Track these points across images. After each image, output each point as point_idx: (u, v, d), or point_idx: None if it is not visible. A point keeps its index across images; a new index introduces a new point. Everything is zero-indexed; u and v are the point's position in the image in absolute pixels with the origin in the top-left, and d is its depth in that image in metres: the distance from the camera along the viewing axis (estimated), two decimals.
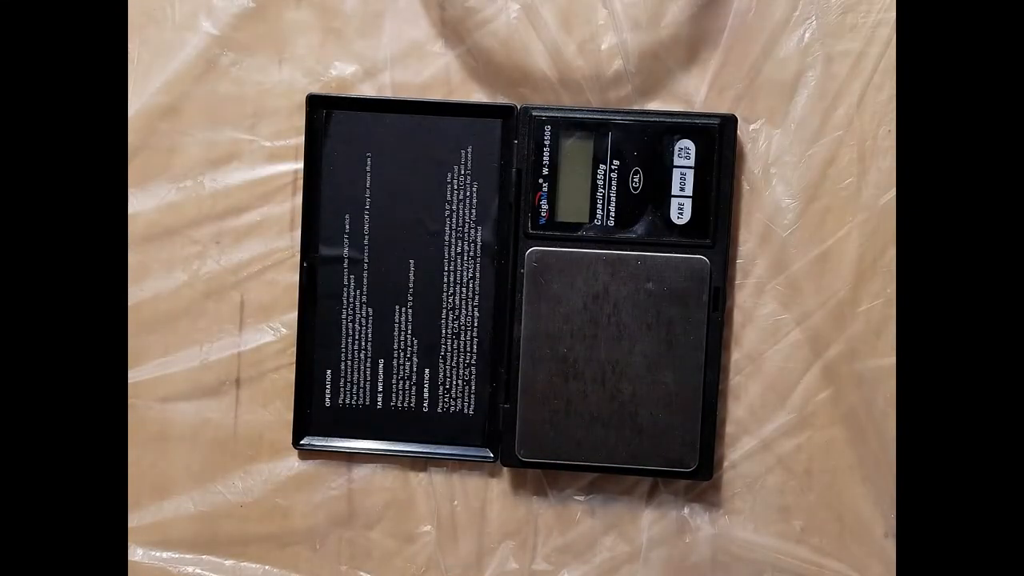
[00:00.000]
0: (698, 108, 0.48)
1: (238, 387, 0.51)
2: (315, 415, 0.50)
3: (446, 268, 0.49)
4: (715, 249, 0.47)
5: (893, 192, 0.47)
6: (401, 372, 0.49)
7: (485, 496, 0.50)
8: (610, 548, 0.50)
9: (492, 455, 0.49)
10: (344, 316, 0.49)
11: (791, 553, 0.49)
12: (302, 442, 0.50)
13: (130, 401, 0.51)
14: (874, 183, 0.48)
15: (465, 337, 0.49)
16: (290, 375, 0.50)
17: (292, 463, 0.51)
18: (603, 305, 0.47)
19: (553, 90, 0.49)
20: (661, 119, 0.47)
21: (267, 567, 0.51)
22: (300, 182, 0.49)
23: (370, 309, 0.49)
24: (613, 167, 0.47)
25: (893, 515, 0.48)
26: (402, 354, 0.49)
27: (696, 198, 0.47)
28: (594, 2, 0.48)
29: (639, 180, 0.47)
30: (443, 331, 0.49)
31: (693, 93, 0.48)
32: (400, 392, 0.50)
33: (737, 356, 0.48)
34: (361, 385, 0.50)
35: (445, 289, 0.49)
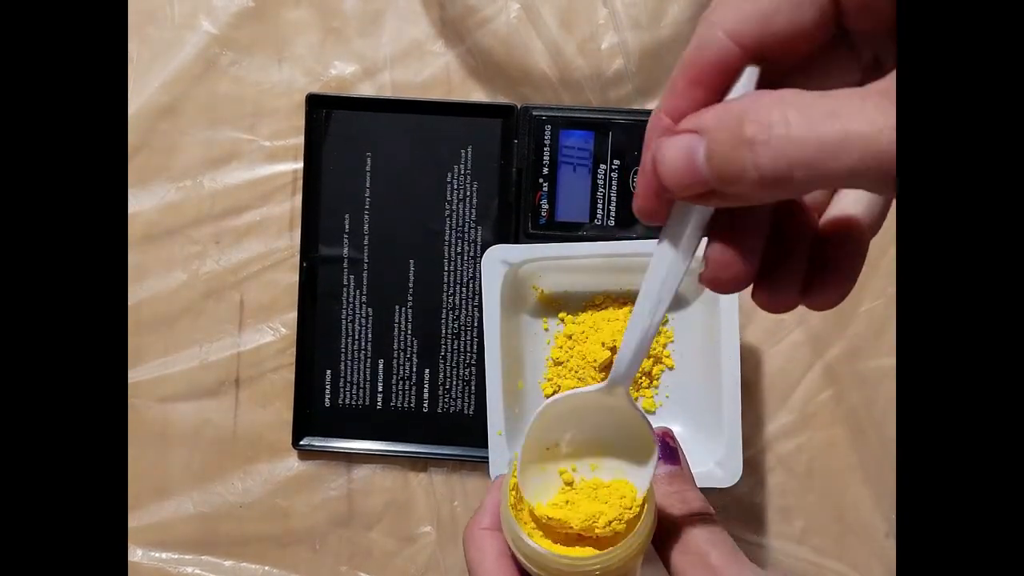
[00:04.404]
0: None
1: (238, 387, 0.51)
2: (315, 415, 0.50)
3: (446, 268, 0.49)
4: None
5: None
6: (401, 372, 0.49)
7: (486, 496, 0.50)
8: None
9: None
10: (344, 316, 0.49)
11: (792, 553, 0.49)
12: (302, 442, 0.50)
13: (130, 401, 0.51)
14: None
15: (465, 337, 0.49)
16: (290, 375, 0.50)
17: (292, 463, 0.51)
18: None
19: (553, 89, 0.48)
20: None
21: (267, 567, 0.51)
22: (299, 182, 0.49)
23: (370, 309, 0.49)
24: (613, 167, 0.47)
25: (893, 516, 0.48)
26: (402, 354, 0.49)
27: None
28: (594, 2, 0.48)
29: None
30: (443, 331, 0.49)
31: None
32: (400, 392, 0.49)
33: None
34: (361, 385, 0.50)
35: (445, 289, 0.49)
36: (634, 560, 0.31)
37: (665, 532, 0.32)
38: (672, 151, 0.24)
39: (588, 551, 0.31)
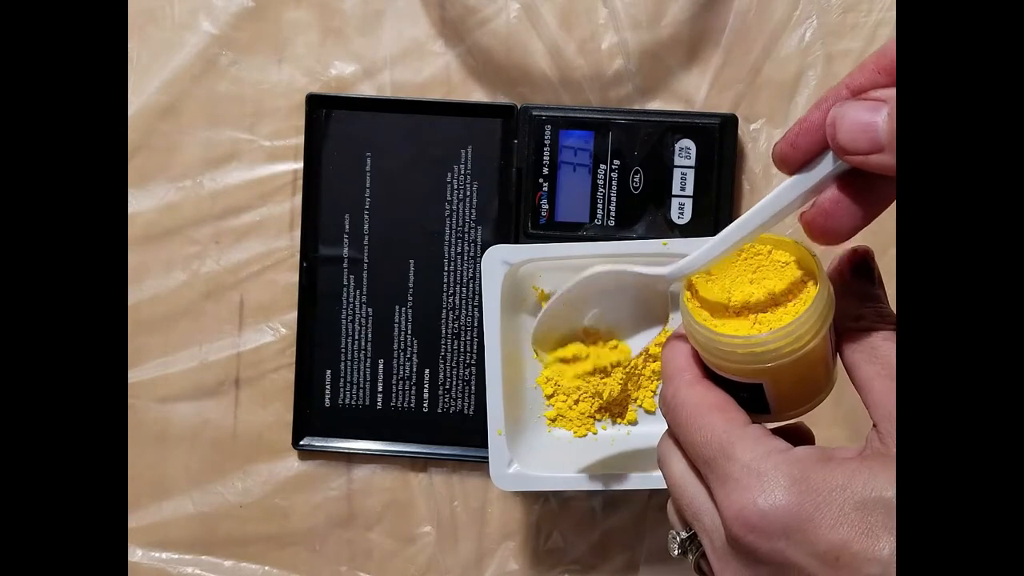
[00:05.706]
0: (699, 108, 0.48)
1: (237, 387, 0.51)
2: (315, 415, 0.50)
3: (446, 268, 0.49)
4: None
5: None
6: (401, 372, 0.49)
7: (485, 497, 0.50)
8: (610, 548, 0.50)
9: None
10: (344, 316, 0.49)
11: None
12: (302, 442, 0.50)
13: (130, 401, 0.51)
14: None
15: (465, 337, 0.49)
16: (290, 375, 0.50)
17: (292, 463, 0.51)
18: None
19: (553, 89, 0.48)
20: (661, 119, 0.47)
21: (267, 568, 0.51)
22: (299, 182, 0.49)
23: (370, 309, 0.49)
24: (613, 167, 0.47)
25: None
26: (402, 354, 0.49)
27: (697, 198, 0.47)
28: (594, 1, 0.48)
29: (639, 180, 0.47)
30: (443, 331, 0.49)
31: (694, 92, 0.48)
32: (400, 392, 0.49)
33: None
34: (361, 385, 0.50)
35: (445, 289, 0.49)
36: (816, 339, 0.30)
37: (848, 333, 0.31)
38: (855, 111, 0.28)
39: (756, 329, 0.31)
